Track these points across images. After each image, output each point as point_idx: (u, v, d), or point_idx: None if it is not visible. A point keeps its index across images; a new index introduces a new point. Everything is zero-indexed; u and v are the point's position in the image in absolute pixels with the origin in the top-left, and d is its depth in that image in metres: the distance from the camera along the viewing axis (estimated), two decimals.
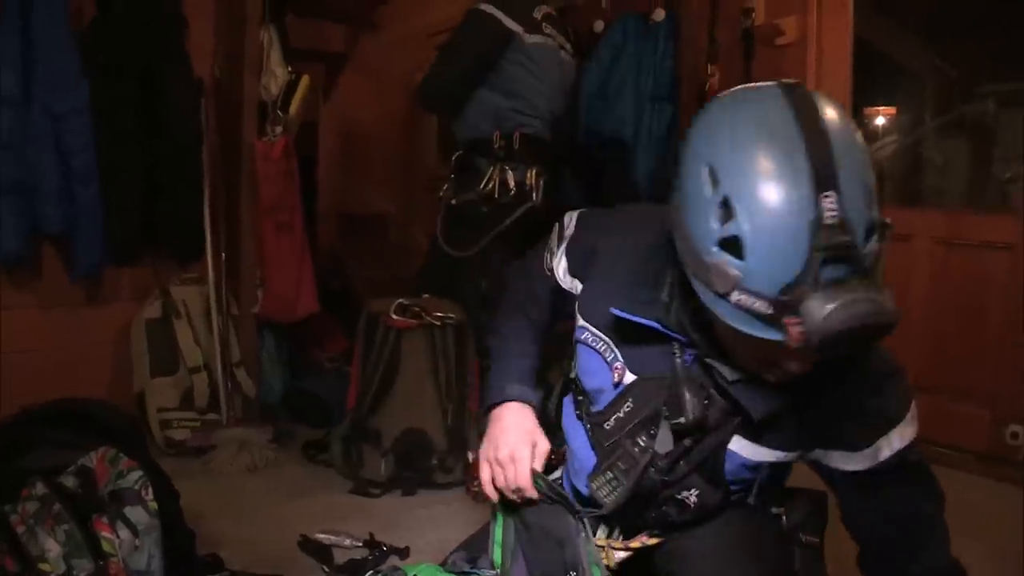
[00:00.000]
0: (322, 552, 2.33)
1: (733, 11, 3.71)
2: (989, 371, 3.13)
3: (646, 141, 3.94)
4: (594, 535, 1.40)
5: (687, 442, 1.25)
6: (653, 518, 1.35)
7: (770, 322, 0.97)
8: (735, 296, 0.98)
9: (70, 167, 2.88)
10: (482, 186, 2.94)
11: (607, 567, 1.36)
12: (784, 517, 1.43)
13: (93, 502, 1.75)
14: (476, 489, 2.85)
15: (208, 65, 3.39)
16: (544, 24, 2.82)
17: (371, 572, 2.16)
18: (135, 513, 1.74)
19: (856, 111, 3.72)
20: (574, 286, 1.42)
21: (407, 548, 2.38)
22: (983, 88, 3.69)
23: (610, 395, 1.33)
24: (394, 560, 2.33)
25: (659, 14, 3.96)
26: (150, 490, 1.78)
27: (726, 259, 0.98)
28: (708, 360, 1.20)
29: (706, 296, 1.04)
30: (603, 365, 1.34)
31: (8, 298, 3.00)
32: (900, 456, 1.23)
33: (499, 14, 2.74)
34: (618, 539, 1.41)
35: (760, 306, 0.96)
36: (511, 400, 1.42)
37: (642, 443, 1.27)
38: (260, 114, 3.43)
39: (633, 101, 3.96)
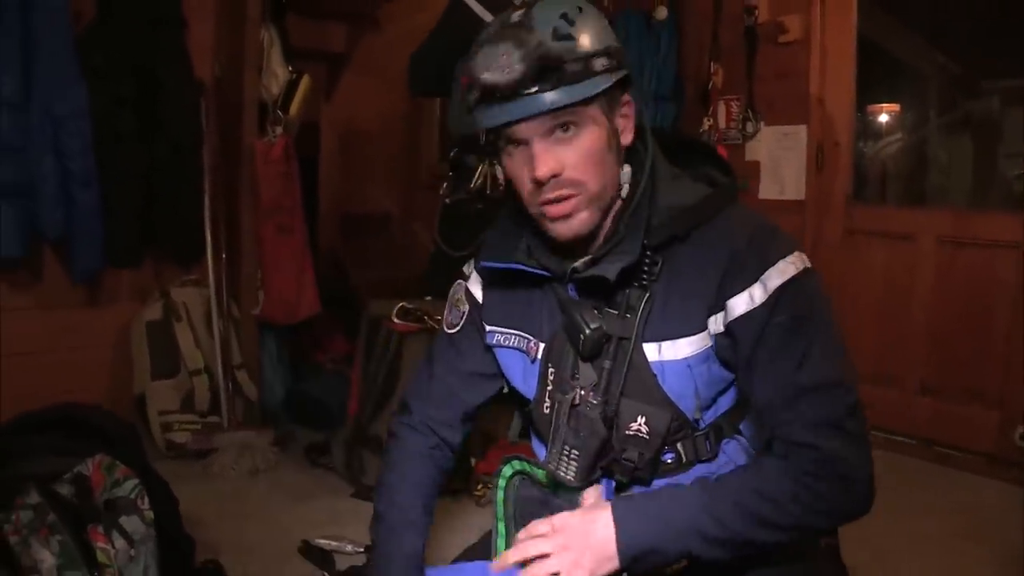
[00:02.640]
0: (323, 558, 2.33)
1: (736, 9, 3.70)
2: (997, 372, 3.10)
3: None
4: None
5: (606, 364, 1.26)
6: (622, 469, 1.31)
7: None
8: (472, 97, 1.19)
9: (69, 170, 2.87)
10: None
11: None
12: None
13: (88, 511, 1.74)
14: (479, 495, 2.84)
15: (208, 65, 3.37)
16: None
17: None
18: (131, 523, 1.72)
19: (860, 109, 3.69)
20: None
21: None
22: (988, 85, 3.66)
23: (534, 376, 1.35)
24: None
25: (661, 12, 3.94)
26: (146, 499, 1.76)
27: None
28: (553, 262, 1.27)
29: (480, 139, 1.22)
30: (520, 355, 1.37)
31: (8, 300, 3.00)
32: (793, 292, 1.18)
33: (472, 3, 2.73)
34: None
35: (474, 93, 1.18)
36: None
37: (567, 389, 1.30)
38: (260, 114, 3.41)
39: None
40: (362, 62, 4.65)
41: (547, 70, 1.11)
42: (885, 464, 3.22)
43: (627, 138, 1.24)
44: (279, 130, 3.44)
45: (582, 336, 1.25)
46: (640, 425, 1.27)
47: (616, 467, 1.31)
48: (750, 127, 3.73)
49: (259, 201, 3.38)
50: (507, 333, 1.39)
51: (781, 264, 1.19)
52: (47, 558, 1.62)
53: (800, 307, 1.19)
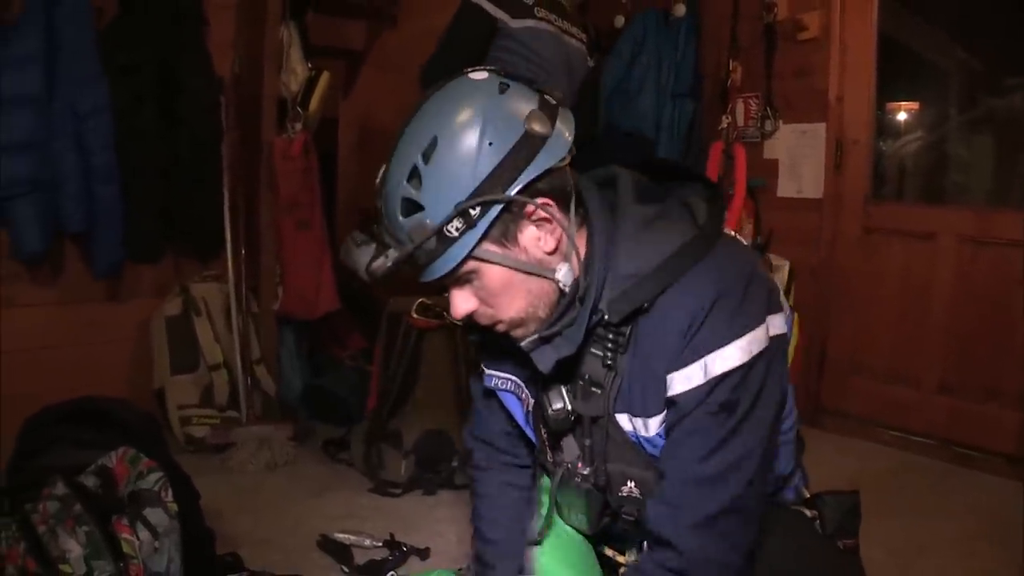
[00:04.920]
0: (342, 552, 2.33)
1: (755, 6, 3.69)
2: (1017, 371, 3.07)
3: (667, 137, 3.93)
4: (623, 555, 1.44)
5: (587, 442, 1.29)
6: (627, 522, 1.35)
7: None
8: None
9: (91, 165, 2.89)
10: None
11: None
12: (819, 522, 1.41)
13: (113, 503, 1.76)
14: None
15: (228, 62, 3.39)
16: (537, 8, 2.79)
17: (390, 574, 2.18)
18: (155, 515, 1.74)
19: (879, 106, 3.67)
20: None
21: (427, 549, 2.37)
22: (1011, 82, 3.63)
23: (530, 429, 1.40)
24: (414, 561, 2.33)
25: (679, 9, 3.94)
26: (170, 491, 1.78)
27: None
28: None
29: None
30: (518, 402, 1.40)
31: (30, 295, 3.02)
32: (731, 382, 1.15)
33: (483, 2, 2.72)
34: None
35: None
36: None
37: (557, 460, 1.35)
38: (280, 111, 3.43)
39: (654, 97, 3.94)
40: (380, 59, 4.65)
41: (407, 260, 1.14)
42: (903, 464, 3.24)
43: (549, 244, 1.17)
44: (298, 126, 3.45)
45: (545, 416, 1.29)
46: (631, 488, 1.30)
47: (619, 519, 1.35)
48: (768, 125, 3.72)
49: (278, 197, 3.40)
50: (503, 378, 1.41)
51: (730, 349, 1.14)
52: (75, 548, 1.64)
53: (736, 396, 1.16)
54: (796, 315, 3.28)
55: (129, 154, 3.01)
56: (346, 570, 2.25)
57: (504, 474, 1.53)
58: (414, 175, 1.11)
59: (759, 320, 1.16)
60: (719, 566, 1.18)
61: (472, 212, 1.09)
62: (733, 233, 1.27)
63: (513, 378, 1.39)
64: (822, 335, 3.66)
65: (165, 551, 1.73)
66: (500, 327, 1.22)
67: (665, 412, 1.21)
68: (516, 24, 2.72)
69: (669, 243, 1.17)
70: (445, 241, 1.10)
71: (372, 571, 2.24)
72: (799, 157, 3.67)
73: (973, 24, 3.79)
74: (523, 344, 1.23)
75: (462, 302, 1.20)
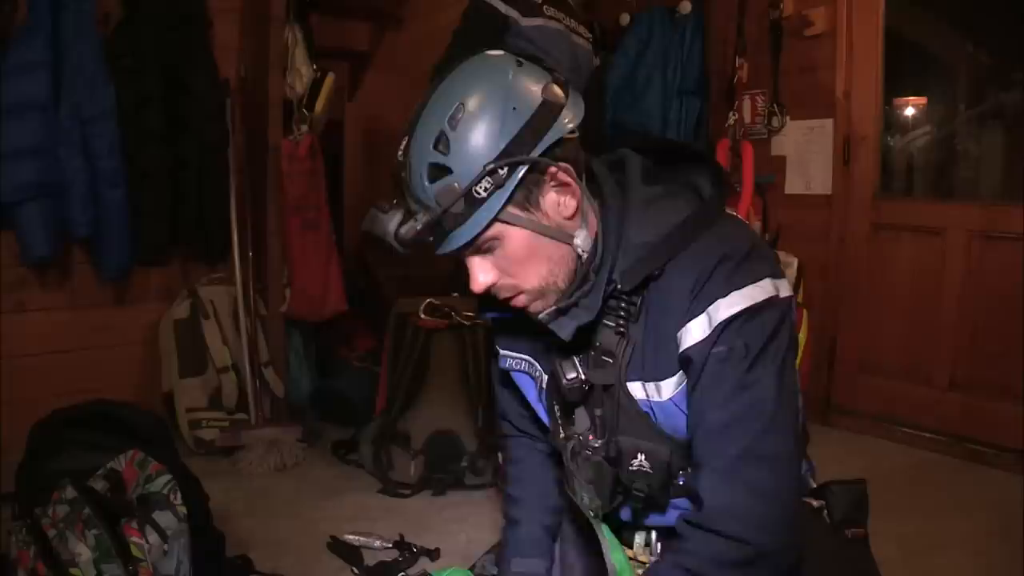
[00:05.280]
0: (352, 553, 2.33)
1: (761, 2, 3.67)
2: None
3: (674, 135, 3.92)
4: (631, 548, 1.43)
5: (598, 412, 1.30)
6: (636, 498, 1.35)
7: None
8: None
9: (98, 170, 2.90)
10: None
11: None
12: (826, 512, 1.40)
13: (122, 506, 1.76)
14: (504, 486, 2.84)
15: (233, 65, 3.39)
16: (545, 7, 2.79)
17: (401, 574, 2.17)
18: (164, 518, 1.74)
19: (887, 102, 3.65)
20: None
21: (437, 549, 2.37)
22: (1019, 75, 3.60)
23: (541, 407, 1.42)
24: (424, 561, 2.32)
25: (685, 6, 3.93)
26: (179, 494, 1.78)
27: None
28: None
29: None
30: (532, 381, 1.43)
31: (37, 299, 3.03)
32: (738, 326, 1.16)
33: (494, 1, 2.72)
34: (657, 553, 1.41)
35: None
36: None
37: (568, 433, 1.35)
38: (285, 113, 3.43)
39: (660, 94, 3.93)
40: (386, 60, 4.65)
41: (433, 225, 1.15)
42: (914, 461, 3.22)
43: (569, 207, 1.20)
44: (304, 128, 3.46)
45: (560, 386, 1.29)
46: (641, 461, 1.30)
47: (631, 496, 1.35)
48: (776, 121, 3.71)
49: (284, 199, 3.40)
50: (517, 358, 1.44)
51: (734, 296, 1.16)
52: (84, 551, 1.64)
53: (743, 339, 1.16)
54: (805, 312, 3.29)
55: (135, 158, 3.02)
56: (356, 571, 2.25)
57: (532, 442, 1.60)
58: (441, 140, 1.13)
59: (763, 275, 1.19)
60: (739, 515, 1.15)
61: (500, 172, 1.11)
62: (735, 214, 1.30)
63: (527, 357, 1.42)
64: (832, 332, 3.64)
65: (174, 554, 1.73)
66: (519, 299, 1.23)
67: (679, 373, 1.22)
68: (526, 22, 2.73)
69: (676, 214, 1.22)
70: (473, 203, 1.12)
71: (382, 572, 2.24)
72: (807, 153, 3.66)
73: (980, 18, 3.77)
74: (541, 317, 1.25)
75: (483, 273, 1.21)
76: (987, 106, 3.84)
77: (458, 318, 2.89)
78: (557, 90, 1.17)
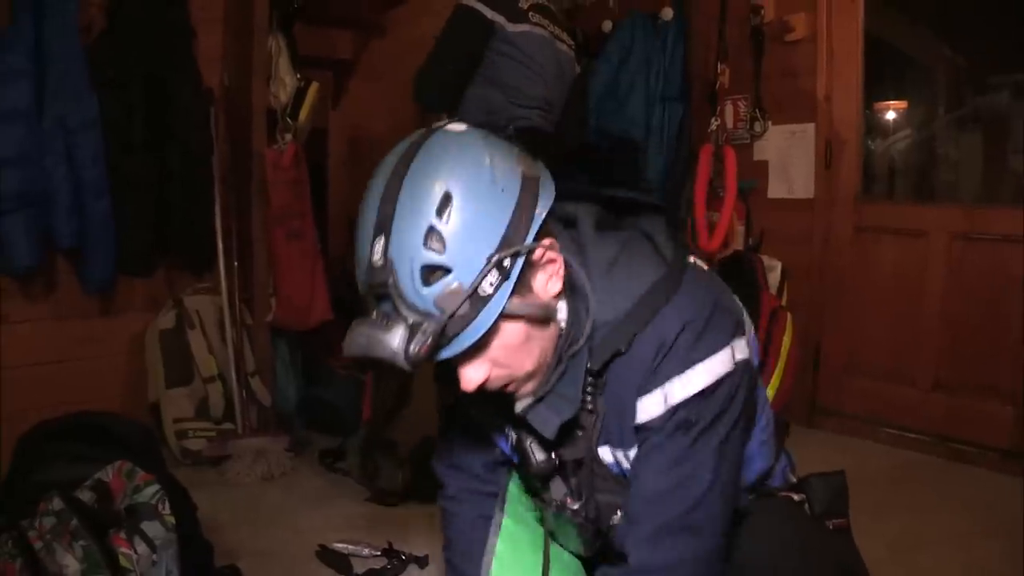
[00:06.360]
0: (341, 562, 2.33)
1: (742, 8, 3.70)
2: (1011, 367, 3.08)
3: (657, 141, 3.94)
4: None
5: (573, 480, 1.30)
6: (618, 545, 1.35)
7: None
8: None
9: (82, 179, 2.88)
10: None
11: None
12: (807, 505, 1.42)
13: (110, 517, 1.75)
14: None
15: (217, 74, 3.38)
16: (531, 13, 2.79)
17: None
18: (152, 528, 1.73)
19: (867, 106, 3.69)
20: None
21: (426, 556, 2.36)
22: (997, 80, 3.65)
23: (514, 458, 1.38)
24: (413, 569, 2.33)
25: (667, 13, 3.96)
26: (167, 504, 1.77)
27: None
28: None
29: None
30: (501, 435, 1.39)
31: (21, 310, 3.01)
32: (692, 405, 1.16)
33: (480, 6, 2.72)
34: None
35: None
36: None
37: (546, 498, 1.35)
38: (269, 122, 3.43)
39: (643, 101, 3.95)
40: (369, 68, 4.66)
41: (440, 335, 1.01)
42: (899, 461, 3.25)
43: (556, 285, 1.14)
44: (288, 137, 3.46)
45: (531, 466, 1.27)
46: (620, 518, 1.31)
47: (613, 545, 1.36)
48: (758, 126, 3.73)
49: (269, 208, 3.39)
50: (482, 408, 1.36)
51: (689, 374, 1.15)
52: (71, 563, 1.63)
53: (692, 417, 1.17)
54: (789, 315, 3.32)
55: (120, 168, 3.01)
56: None
57: (479, 506, 1.51)
58: (432, 237, 1.00)
59: (723, 343, 1.17)
60: None
61: (505, 263, 1.02)
62: (694, 260, 1.26)
63: (493, 410, 1.35)
64: (816, 334, 3.66)
65: (163, 564, 1.73)
66: (511, 387, 1.17)
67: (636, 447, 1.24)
68: (512, 28, 2.73)
69: (640, 283, 1.17)
70: (479, 301, 1.01)
71: None
72: (789, 158, 3.69)
73: (958, 22, 3.82)
74: (519, 410, 1.20)
75: (475, 372, 1.11)
76: (966, 110, 3.90)
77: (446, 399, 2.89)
78: (529, 161, 1.11)
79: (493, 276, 1.01)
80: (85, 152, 2.88)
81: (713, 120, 3.69)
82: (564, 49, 2.94)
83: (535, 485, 1.36)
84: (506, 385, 1.15)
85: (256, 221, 3.39)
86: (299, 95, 3.50)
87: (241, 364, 3.23)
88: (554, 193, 1.10)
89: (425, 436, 2.86)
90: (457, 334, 1.02)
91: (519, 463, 1.35)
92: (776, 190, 3.74)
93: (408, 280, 1.01)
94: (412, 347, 0.99)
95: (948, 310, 3.30)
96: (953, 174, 4.00)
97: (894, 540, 2.44)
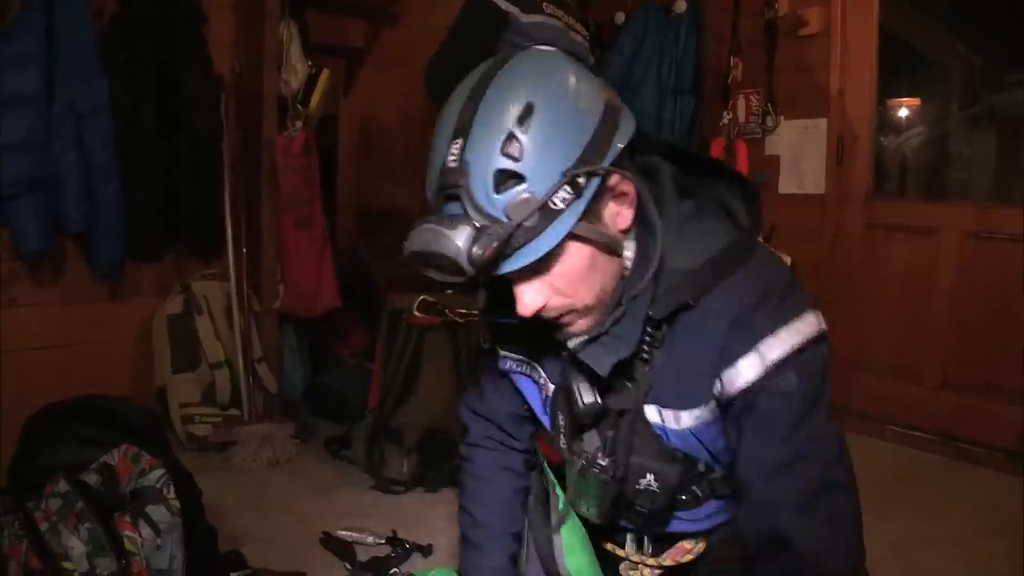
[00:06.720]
0: (344, 549, 2.33)
1: (756, 2, 3.68)
2: (1019, 367, 3.06)
3: (668, 134, 3.92)
4: (623, 548, 1.42)
5: (609, 433, 1.25)
6: (635, 514, 1.33)
7: None
8: None
9: (91, 164, 2.89)
10: None
11: None
12: None
13: (115, 500, 1.76)
14: None
15: (228, 61, 3.39)
16: (545, 4, 2.78)
17: (392, 572, 2.17)
18: (157, 512, 1.74)
19: (880, 102, 3.67)
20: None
21: (430, 546, 2.37)
22: (1012, 77, 3.62)
23: (545, 416, 1.35)
24: (417, 558, 2.33)
25: (680, 5, 3.94)
26: (172, 488, 1.78)
27: None
28: (559, 336, 1.18)
29: None
30: (534, 386, 1.36)
31: (30, 294, 3.02)
32: (792, 364, 1.11)
33: None
34: (648, 553, 1.40)
35: None
36: None
37: (576, 449, 1.29)
38: (280, 109, 3.43)
39: (655, 93, 3.93)
40: (381, 57, 4.65)
41: (506, 241, 0.98)
42: (905, 460, 3.23)
43: (625, 220, 1.11)
44: (299, 124, 3.46)
45: (575, 409, 1.22)
46: (649, 481, 1.26)
47: (630, 509, 1.32)
48: (770, 121, 3.72)
49: (278, 194, 3.40)
50: (519, 360, 1.37)
51: (783, 332, 1.11)
52: (77, 545, 1.64)
53: (799, 377, 1.12)
54: None
55: (129, 153, 3.01)
56: (349, 567, 2.25)
57: (501, 457, 1.52)
58: (510, 143, 0.99)
59: (806, 307, 1.14)
60: (830, 548, 1.13)
61: (580, 181, 1.00)
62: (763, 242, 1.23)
63: (531, 362, 1.34)
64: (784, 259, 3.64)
65: (167, 548, 1.73)
66: (568, 318, 1.13)
67: (704, 407, 1.18)
68: (526, 18, 2.72)
69: (715, 240, 1.15)
70: (549, 215, 0.99)
71: (375, 568, 2.24)
72: (800, 153, 3.67)
73: (973, 19, 3.79)
74: (572, 346, 1.17)
75: (534, 294, 1.08)
76: (980, 108, 3.87)
77: (451, 315, 2.89)
78: (613, 93, 1.09)
79: (566, 192, 0.99)
80: (95, 137, 2.88)
81: (725, 114, 3.68)
82: (578, 40, 2.92)
83: (561, 438, 1.30)
84: (562, 315, 1.12)
85: (265, 208, 3.39)
86: (310, 82, 3.50)
87: (248, 350, 3.24)
88: (633, 129, 1.08)
89: (431, 426, 2.87)
90: (522, 245, 0.99)
91: (553, 413, 1.31)
92: (787, 185, 3.73)
93: (480, 183, 0.99)
94: (476, 248, 0.96)
95: (957, 309, 3.28)
96: (966, 172, 3.97)
97: (898, 538, 2.44)
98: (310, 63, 3.50)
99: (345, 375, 3.65)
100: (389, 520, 2.52)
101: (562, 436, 1.30)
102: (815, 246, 3.61)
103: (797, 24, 3.59)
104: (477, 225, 0.97)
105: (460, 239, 0.97)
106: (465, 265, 0.97)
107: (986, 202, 3.48)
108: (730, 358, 1.12)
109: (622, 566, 1.42)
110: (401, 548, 2.34)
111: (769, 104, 3.70)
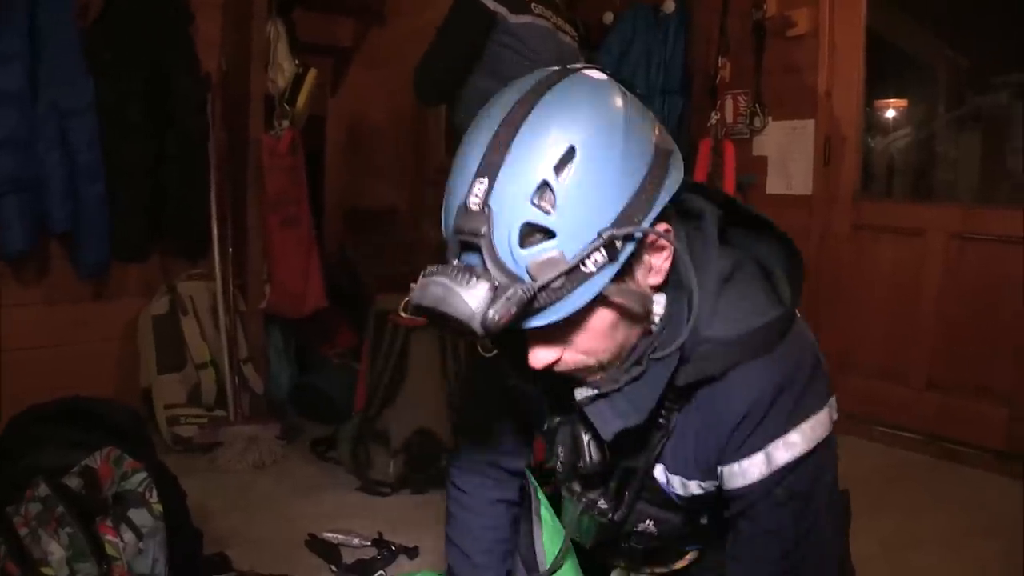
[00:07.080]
0: (330, 551, 2.32)
1: (744, 2, 3.68)
2: (1006, 367, 3.09)
3: None
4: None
5: (613, 484, 1.19)
6: (626, 550, 1.32)
7: None
8: None
9: (76, 164, 2.87)
10: None
11: None
12: None
13: (97, 504, 1.74)
14: None
15: (215, 59, 3.37)
16: (533, 4, 2.77)
17: (378, 574, 2.16)
18: (139, 516, 1.72)
19: (868, 103, 3.68)
20: None
21: (416, 548, 2.36)
22: (997, 80, 3.64)
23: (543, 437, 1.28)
24: (403, 560, 2.32)
25: (669, 5, 3.93)
26: (154, 492, 1.76)
27: None
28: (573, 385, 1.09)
29: None
30: (537, 400, 1.26)
31: (14, 295, 2.99)
32: (799, 470, 1.07)
33: None
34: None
35: None
36: None
37: (577, 490, 1.23)
38: (267, 108, 3.41)
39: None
40: (369, 56, 4.64)
41: (526, 305, 0.87)
42: (892, 460, 3.24)
43: (659, 276, 1.00)
44: (286, 123, 3.44)
45: (580, 464, 1.14)
46: (648, 526, 1.24)
47: (620, 545, 1.31)
48: (757, 121, 3.71)
49: (265, 194, 3.38)
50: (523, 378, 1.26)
51: (794, 435, 1.05)
52: (57, 550, 1.62)
53: (801, 483, 1.08)
54: None
55: (115, 152, 2.99)
56: (335, 569, 2.24)
57: (495, 489, 1.44)
58: (543, 193, 0.87)
59: (822, 404, 1.08)
60: None
61: (617, 244, 0.89)
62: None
63: (535, 383, 1.19)
64: (811, 331, 3.65)
65: (150, 552, 1.72)
66: (582, 373, 1.04)
67: (711, 482, 1.14)
68: (515, 19, 2.70)
69: (755, 315, 1.04)
70: (578, 278, 0.87)
71: (360, 571, 2.23)
72: (788, 154, 3.67)
73: (960, 22, 3.80)
74: (579, 398, 1.06)
75: (548, 352, 0.98)
76: (966, 109, 3.88)
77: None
78: (664, 131, 0.97)
79: (600, 255, 0.87)
80: (79, 136, 2.86)
81: (713, 114, 3.67)
82: (567, 40, 2.91)
83: (562, 470, 1.22)
84: (574, 370, 1.02)
85: (251, 207, 3.37)
86: (297, 81, 3.48)
87: (234, 351, 3.22)
88: (682, 176, 0.97)
89: (417, 427, 2.86)
90: (543, 308, 0.88)
91: (551, 441, 1.21)
92: (775, 186, 3.73)
93: (504, 236, 0.87)
94: (492, 312, 0.84)
95: (944, 310, 3.29)
96: (952, 173, 3.99)
97: (887, 538, 2.44)
98: (297, 62, 3.48)
99: (331, 376, 3.63)
100: (375, 522, 2.51)
101: (559, 464, 1.21)
102: (802, 247, 3.49)
103: (785, 25, 3.59)
104: (496, 284, 0.86)
105: (475, 301, 0.85)
106: (477, 328, 0.86)
107: (972, 203, 3.50)
108: (736, 454, 1.07)
109: (614, 573, 1.42)
110: (387, 550, 2.33)
111: (757, 105, 3.70)
